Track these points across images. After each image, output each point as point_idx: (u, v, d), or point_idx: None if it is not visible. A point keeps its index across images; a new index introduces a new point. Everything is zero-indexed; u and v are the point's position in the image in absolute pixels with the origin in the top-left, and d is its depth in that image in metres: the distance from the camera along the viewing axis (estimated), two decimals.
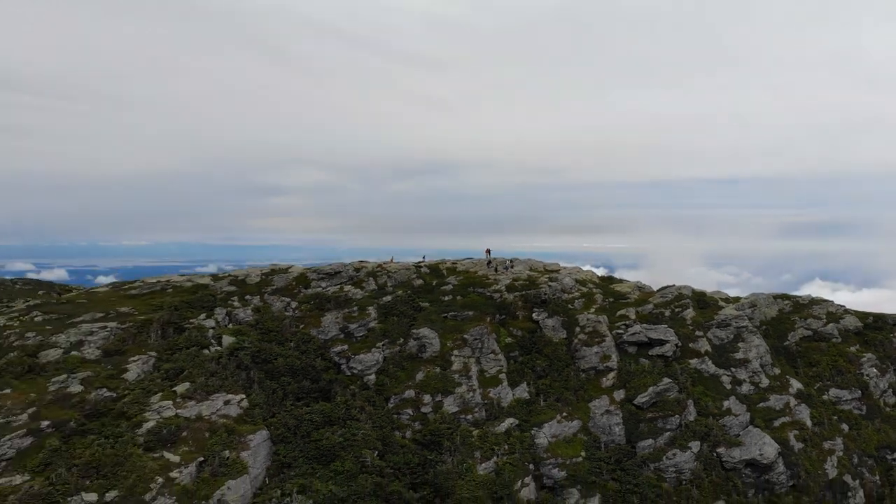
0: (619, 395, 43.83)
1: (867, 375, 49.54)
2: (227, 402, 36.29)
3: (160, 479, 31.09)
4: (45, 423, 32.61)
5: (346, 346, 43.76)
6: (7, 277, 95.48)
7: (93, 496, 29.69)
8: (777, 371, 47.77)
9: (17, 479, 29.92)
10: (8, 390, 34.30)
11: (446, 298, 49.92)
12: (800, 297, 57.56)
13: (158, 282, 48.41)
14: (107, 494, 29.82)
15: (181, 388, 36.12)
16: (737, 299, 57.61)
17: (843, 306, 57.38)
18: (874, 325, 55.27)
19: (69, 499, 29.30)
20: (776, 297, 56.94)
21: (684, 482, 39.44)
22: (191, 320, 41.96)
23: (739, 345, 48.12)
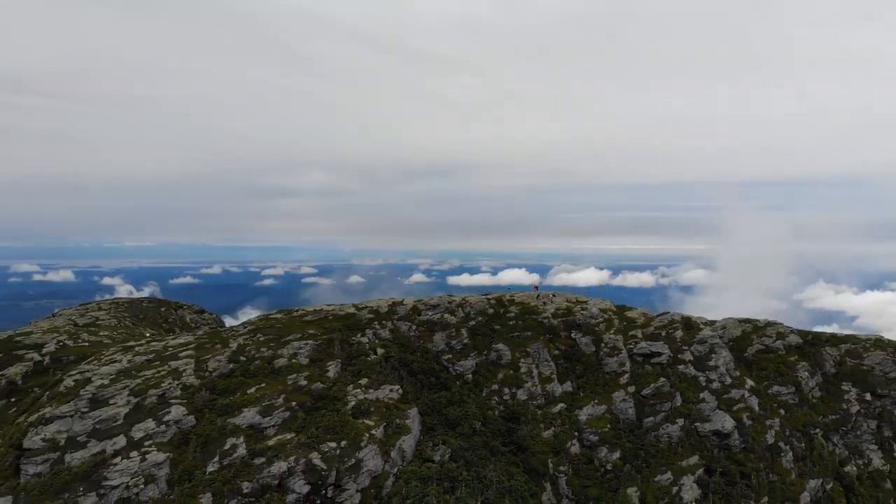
0: (631, 389, 66.06)
1: (800, 377, 71.77)
2: (390, 390, 58.43)
3: (366, 435, 53.10)
4: (293, 403, 54.61)
5: (450, 356, 66.01)
6: (136, 297, 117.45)
7: (333, 444, 51.66)
8: (737, 374, 70.07)
9: (288, 436, 51.83)
10: (263, 384, 56.34)
11: (511, 322, 72.18)
12: (758, 320, 79.80)
13: (315, 311, 70.51)
14: (340, 443, 51.84)
15: (363, 381, 58.25)
16: (713, 322, 79.87)
17: (790, 328, 79.65)
18: (811, 342, 77.58)
19: (320, 445, 51.29)
20: (741, 321, 79.29)
21: (673, 444, 61.66)
22: (353, 338, 64.16)
23: (712, 355, 70.42)
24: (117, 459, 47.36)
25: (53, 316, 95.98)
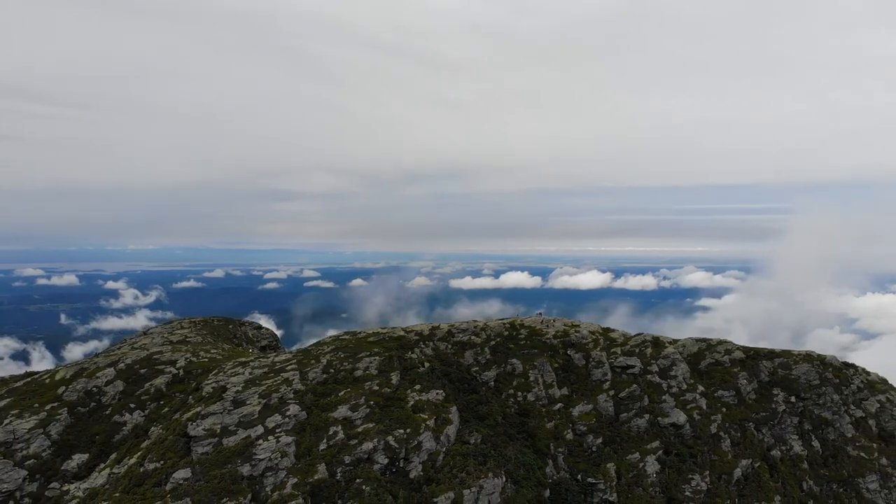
0: (611, 393, 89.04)
1: (740, 384, 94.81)
2: (436, 394, 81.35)
3: (423, 425, 75.84)
4: (371, 402, 77.43)
5: (477, 368, 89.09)
6: (208, 316, 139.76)
7: (401, 431, 74.42)
8: (692, 381, 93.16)
9: (370, 425, 74.63)
10: (349, 389, 79.24)
11: (521, 342, 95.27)
12: (711, 339, 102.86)
13: (374, 333, 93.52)
14: (406, 430, 74.65)
15: (417, 387, 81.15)
16: (676, 341, 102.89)
17: (737, 345, 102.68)
18: (752, 357, 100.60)
19: (393, 432, 74.15)
20: (698, 340, 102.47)
21: (641, 433, 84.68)
22: (405, 355, 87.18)
23: (673, 367, 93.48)
24: (260, 441, 69.44)
25: (144, 334, 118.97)
